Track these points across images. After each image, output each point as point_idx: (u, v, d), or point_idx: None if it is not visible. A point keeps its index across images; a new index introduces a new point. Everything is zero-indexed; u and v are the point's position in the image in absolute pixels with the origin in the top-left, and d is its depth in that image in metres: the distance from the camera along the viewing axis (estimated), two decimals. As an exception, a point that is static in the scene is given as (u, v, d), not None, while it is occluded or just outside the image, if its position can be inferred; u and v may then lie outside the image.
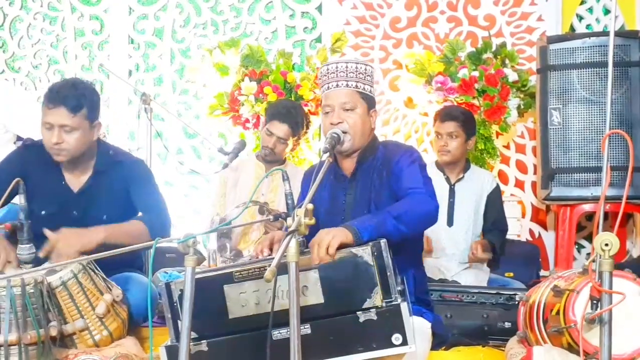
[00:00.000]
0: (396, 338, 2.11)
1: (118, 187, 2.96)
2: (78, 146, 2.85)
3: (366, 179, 2.59)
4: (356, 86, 2.56)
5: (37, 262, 2.71)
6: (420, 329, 2.34)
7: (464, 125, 3.71)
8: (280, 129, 3.64)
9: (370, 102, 2.60)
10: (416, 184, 2.46)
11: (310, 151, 4.67)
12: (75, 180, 2.98)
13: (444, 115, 3.75)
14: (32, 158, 2.99)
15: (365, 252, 2.15)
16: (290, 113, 3.73)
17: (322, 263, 2.14)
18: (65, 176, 2.98)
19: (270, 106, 3.87)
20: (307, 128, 3.81)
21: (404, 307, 2.12)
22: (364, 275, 2.13)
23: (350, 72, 2.56)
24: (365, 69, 2.58)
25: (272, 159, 3.69)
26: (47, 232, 2.68)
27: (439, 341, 2.63)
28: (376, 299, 2.12)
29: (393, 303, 2.12)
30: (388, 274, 2.15)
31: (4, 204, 2.77)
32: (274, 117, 3.67)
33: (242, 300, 2.19)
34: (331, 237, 2.16)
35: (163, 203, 3.06)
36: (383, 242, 2.18)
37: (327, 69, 2.60)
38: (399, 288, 2.18)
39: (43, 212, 2.91)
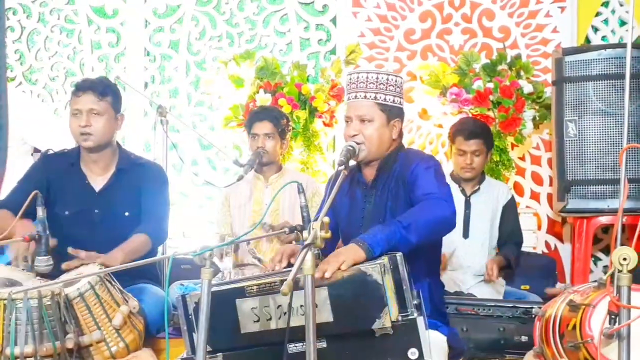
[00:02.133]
0: (412, 352, 2.10)
1: (137, 186, 3.11)
2: (104, 132, 3.05)
3: (385, 187, 2.58)
4: (375, 97, 2.54)
5: (54, 273, 2.74)
6: (436, 343, 2.33)
7: (486, 141, 3.72)
8: (262, 126, 3.67)
9: (391, 112, 2.57)
10: (430, 190, 2.41)
11: (324, 163, 4.68)
12: (98, 180, 3.12)
13: (468, 133, 3.67)
14: (54, 165, 3.15)
15: (374, 270, 2.10)
16: (266, 110, 3.84)
17: (325, 281, 2.11)
18: (88, 176, 3.11)
19: (247, 119, 3.90)
20: (288, 122, 3.82)
21: (420, 321, 2.10)
22: (374, 294, 2.10)
23: (370, 82, 2.55)
24: (387, 79, 2.55)
25: (268, 159, 3.69)
26: (71, 250, 2.74)
27: (455, 354, 2.61)
28: (386, 319, 2.08)
29: (409, 317, 2.10)
30: (404, 287, 2.13)
31: (23, 216, 2.80)
32: (253, 120, 3.72)
33: (254, 315, 2.18)
34: (341, 261, 2.13)
35: (166, 211, 3.18)
36: (399, 255, 2.17)
37: (350, 79, 2.60)
38: (415, 302, 2.17)
39: (66, 213, 3.05)
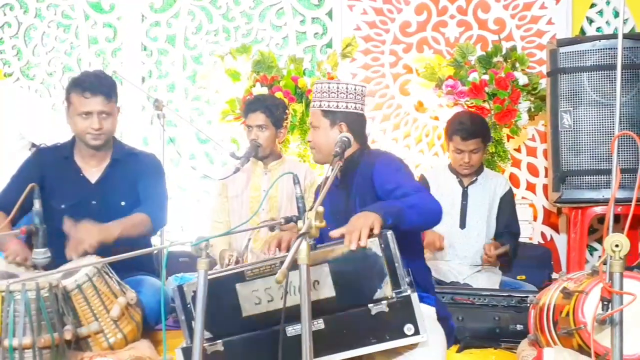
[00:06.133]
0: (408, 328, 2.15)
1: (132, 176, 3.14)
2: (112, 131, 3.14)
3: (351, 187, 2.69)
4: (320, 105, 2.75)
5: (52, 266, 2.75)
6: (427, 316, 2.37)
7: (484, 137, 3.72)
8: (255, 118, 3.64)
9: (333, 117, 2.72)
10: (417, 188, 2.56)
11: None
12: (93, 171, 3.15)
13: (467, 134, 3.63)
14: (47, 159, 3.16)
15: (373, 244, 2.17)
16: (259, 100, 3.76)
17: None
18: (82, 169, 3.14)
19: (243, 109, 3.88)
20: (285, 109, 3.76)
21: (415, 298, 2.15)
22: (374, 266, 2.17)
23: (317, 92, 2.77)
24: (329, 87, 2.73)
25: (264, 153, 3.67)
26: (67, 222, 2.76)
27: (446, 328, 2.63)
28: (386, 289, 2.15)
29: (403, 294, 2.15)
30: (396, 264, 2.18)
31: (19, 209, 2.83)
32: (248, 112, 3.69)
33: (255, 298, 2.23)
34: (371, 222, 2.19)
35: (164, 197, 3.22)
36: (390, 233, 2.22)
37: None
38: (407, 279, 2.21)
39: (62, 206, 3.04)
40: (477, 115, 4.05)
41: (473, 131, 3.66)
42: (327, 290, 2.17)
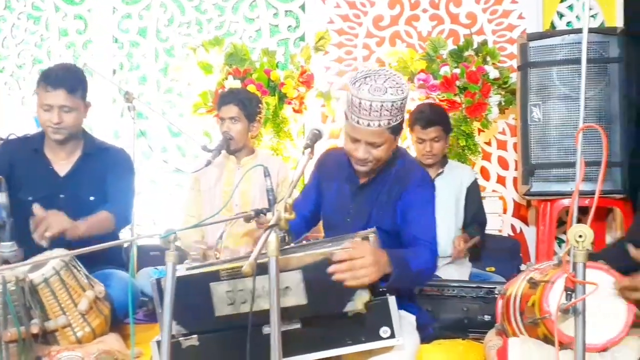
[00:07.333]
0: (384, 331, 2.13)
1: (102, 171, 3.13)
2: (74, 125, 3.08)
3: (374, 191, 2.59)
4: (388, 123, 2.42)
5: (20, 259, 2.72)
6: (407, 322, 2.38)
7: (444, 126, 3.78)
8: (228, 110, 3.61)
9: (397, 130, 2.49)
10: (432, 240, 2.46)
11: (294, 149, 4.69)
12: (62, 164, 3.13)
13: (425, 122, 3.72)
14: (16, 150, 3.14)
15: None
16: (233, 93, 3.74)
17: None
18: (52, 161, 3.12)
19: (216, 102, 3.86)
20: (258, 103, 3.73)
21: (392, 301, 2.14)
22: None
23: (385, 109, 2.39)
24: (401, 104, 2.41)
25: (236, 146, 3.64)
26: (37, 208, 2.76)
27: (425, 335, 2.66)
28: (358, 302, 2.11)
29: (380, 297, 2.14)
30: None
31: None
32: (221, 104, 3.66)
33: (228, 299, 2.20)
34: (377, 274, 2.14)
35: (131, 195, 3.23)
36: (371, 236, 2.23)
37: (360, 104, 2.39)
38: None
39: (30, 198, 2.99)
40: (437, 105, 4.11)
41: (432, 119, 3.74)
42: (298, 298, 2.13)
